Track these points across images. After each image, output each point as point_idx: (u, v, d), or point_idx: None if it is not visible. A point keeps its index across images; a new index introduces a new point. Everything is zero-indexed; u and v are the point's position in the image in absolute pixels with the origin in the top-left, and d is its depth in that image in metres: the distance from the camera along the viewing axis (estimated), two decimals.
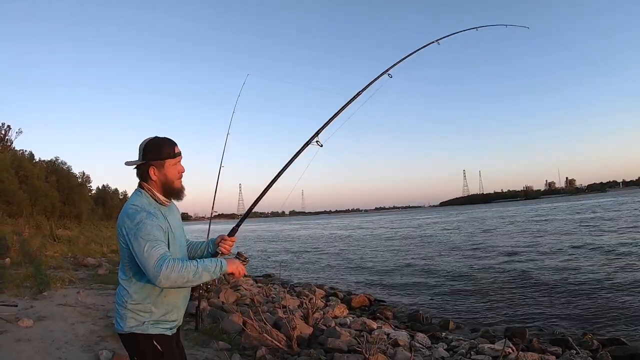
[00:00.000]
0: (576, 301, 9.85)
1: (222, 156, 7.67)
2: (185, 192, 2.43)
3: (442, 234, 34.80)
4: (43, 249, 13.11)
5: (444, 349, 6.39)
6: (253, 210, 2.92)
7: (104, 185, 50.45)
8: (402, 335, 6.82)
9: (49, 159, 33.01)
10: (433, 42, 3.90)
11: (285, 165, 2.82)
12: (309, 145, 2.89)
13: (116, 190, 54.06)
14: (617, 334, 7.45)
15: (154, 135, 2.34)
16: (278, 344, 5.43)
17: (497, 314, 9.38)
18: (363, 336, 5.96)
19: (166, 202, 2.36)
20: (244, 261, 2.52)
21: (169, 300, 2.30)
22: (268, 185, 2.82)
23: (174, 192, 2.37)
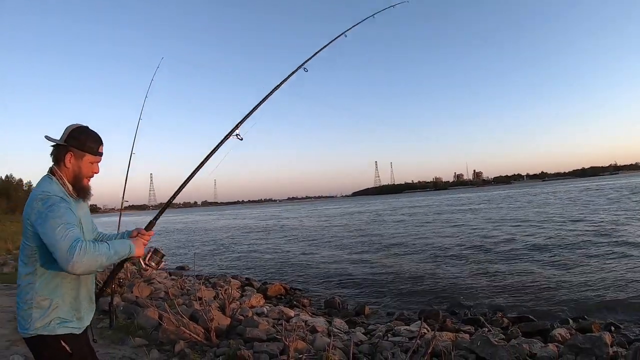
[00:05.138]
0: (484, 282, 10.59)
1: (133, 142, 7.36)
2: (92, 194, 2.31)
3: (353, 222, 35.78)
4: None
5: (362, 333, 6.57)
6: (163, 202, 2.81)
7: (7, 175, 46.60)
8: (320, 322, 6.94)
9: None
10: (340, 35, 3.89)
11: (205, 158, 2.77)
12: (229, 138, 2.85)
13: (20, 180, 50.03)
14: (524, 310, 8.11)
15: (85, 125, 2.25)
16: (196, 337, 5.30)
17: (410, 298, 9.83)
18: (281, 324, 6.00)
19: (74, 195, 2.22)
20: (161, 258, 2.44)
21: (74, 295, 2.18)
22: (187, 179, 2.74)
23: (81, 189, 2.24)
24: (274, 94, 3.17)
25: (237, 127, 2.88)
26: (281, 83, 3.24)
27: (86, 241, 1.96)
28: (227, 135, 2.84)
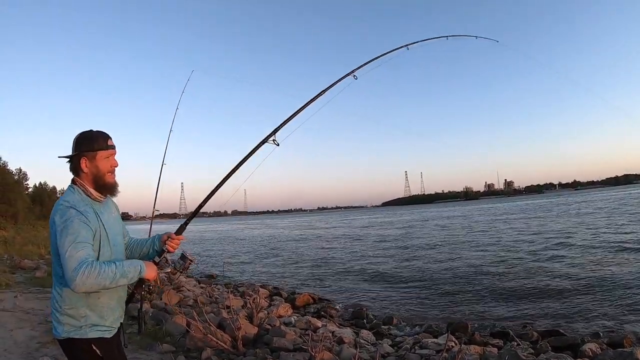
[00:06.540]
0: (516, 295, 10.34)
1: (164, 154, 7.53)
2: (119, 188, 2.36)
3: (384, 233, 35.45)
4: None
5: (389, 345, 6.52)
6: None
7: (41, 183, 48.21)
8: (347, 333, 6.91)
9: None
10: (402, 46, 3.86)
11: (239, 164, 2.75)
12: (265, 143, 2.80)
13: (54, 188, 51.65)
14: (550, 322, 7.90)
15: (88, 129, 2.29)
16: (223, 345, 5.35)
17: (440, 309, 9.69)
18: (308, 334, 6.00)
19: (100, 198, 2.28)
20: (190, 262, 2.48)
21: (103, 302, 2.22)
22: (218, 184, 2.73)
23: (106, 186, 2.29)
24: (320, 100, 3.04)
25: (274, 132, 2.81)
26: (327, 88, 3.13)
27: (93, 262, 2.01)
28: (262, 140, 2.78)
